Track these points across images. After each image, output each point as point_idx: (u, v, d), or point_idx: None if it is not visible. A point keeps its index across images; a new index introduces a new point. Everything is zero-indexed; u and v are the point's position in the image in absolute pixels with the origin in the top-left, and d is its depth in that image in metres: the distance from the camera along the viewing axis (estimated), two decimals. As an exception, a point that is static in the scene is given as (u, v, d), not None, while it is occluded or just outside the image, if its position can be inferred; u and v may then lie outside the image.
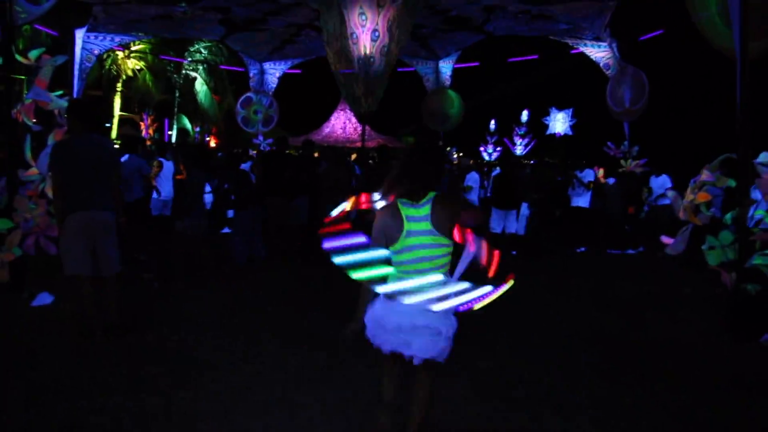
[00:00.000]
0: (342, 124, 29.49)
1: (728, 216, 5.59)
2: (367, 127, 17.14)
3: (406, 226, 2.68)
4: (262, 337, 5.15)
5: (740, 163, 5.50)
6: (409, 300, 2.53)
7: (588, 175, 10.89)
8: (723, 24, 8.39)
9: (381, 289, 2.61)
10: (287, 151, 10.27)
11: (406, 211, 2.71)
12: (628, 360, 4.87)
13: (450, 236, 2.66)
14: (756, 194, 5.48)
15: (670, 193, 6.03)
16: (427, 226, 2.66)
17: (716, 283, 5.91)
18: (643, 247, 10.81)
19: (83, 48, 14.34)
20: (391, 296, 2.62)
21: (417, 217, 2.69)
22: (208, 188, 9.09)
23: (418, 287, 2.56)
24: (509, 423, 3.62)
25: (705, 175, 5.66)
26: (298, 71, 22.25)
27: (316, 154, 11.83)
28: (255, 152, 16.58)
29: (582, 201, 10.65)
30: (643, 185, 13.01)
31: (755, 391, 4.23)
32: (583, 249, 10.72)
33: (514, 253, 9.88)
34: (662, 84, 18.34)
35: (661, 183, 11.57)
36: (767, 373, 4.66)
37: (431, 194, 2.71)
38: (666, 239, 5.95)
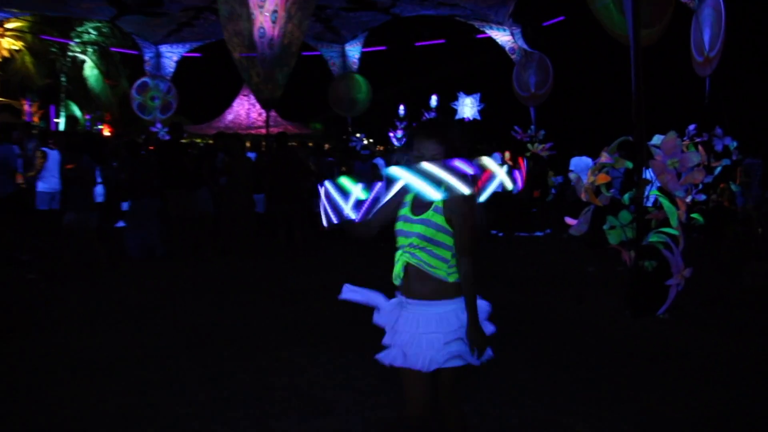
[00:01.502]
0: (246, 110, 28.78)
1: (626, 196, 5.91)
2: (272, 113, 16.84)
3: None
4: (161, 336, 4.95)
5: (636, 145, 5.83)
6: None
7: (494, 160, 11.21)
8: (617, 12, 8.88)
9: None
10: (183, 140, 9.89)
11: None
12: (535, 336, 5.07)
13: (455, 228, 2.48)
14: (651, 175, 5.81)
15: (572, 176, 6.29)
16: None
17: (617, 261, 6.26)
18: (550, 229, 11.28)
19: (-51, 26, 13.18)
20: None
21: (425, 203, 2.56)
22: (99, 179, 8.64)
23: None
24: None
25: (604, 158, 5.94)
26: (197, 54, 21.51)
27: (210, 142, 11.54)
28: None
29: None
30: (548, 168, 13.60)
31: (654, 361, 4.52)
32: (495, 232, 11.03)
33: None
34: (566, 69, 19.17)
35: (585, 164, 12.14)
36: (664, 344, 4.98)
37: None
38: (569, 220, 6.22)
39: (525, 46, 15.86)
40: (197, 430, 3.36)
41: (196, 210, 8.45)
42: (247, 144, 16.23)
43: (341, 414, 3.56)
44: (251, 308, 5.85)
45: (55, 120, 26.90)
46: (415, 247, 2.47)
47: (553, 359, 4.56)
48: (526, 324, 5.48)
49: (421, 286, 2.49)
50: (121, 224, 10.05)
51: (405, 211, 2.56)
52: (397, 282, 2.57)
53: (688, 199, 5.66)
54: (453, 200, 2.43)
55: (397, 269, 2.54)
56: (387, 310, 2.63)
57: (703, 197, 6.25)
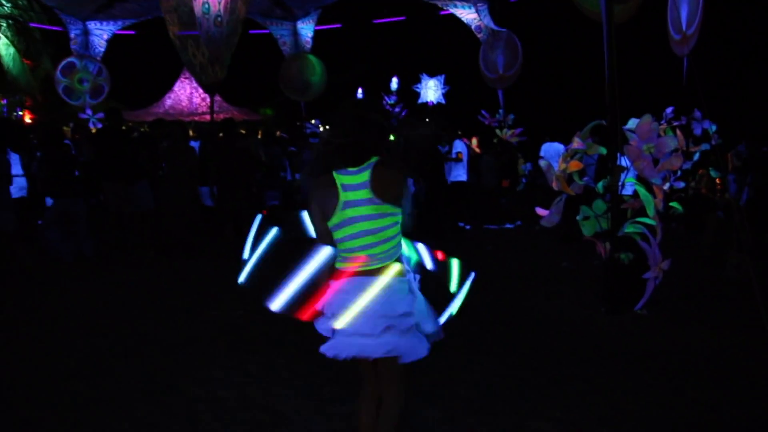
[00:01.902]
0: (188, 94, 28.31)
1: (600, 184, 6.02)
2: (217, 98, 16.62)
3: (342, 196, 2.52)
4: (95, 350, 4.86)
5: (610, 129, 5.95)
6: None
7: (457, 147, 11.30)
8: (589, -13, 9.04)
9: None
10: (122, 127, 9.72)
11: (341, 179, 2.54)
12: (506, 337, 5.15)
13: (397, 203, 2.55)
14: (625, 161, 5.94)
15: (542, 163, 6.39)
16: (366, 194, 2.52)
17: (592, 253, 6.39)
18: (521, 221, 11.44)
19: None
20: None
21: (354, 184, 2.53)
22: (19, 171, 8.42)
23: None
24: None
25: (576, 143, 6.03)
26: (131, 32, 21.06)
27: (143, 129, 11.37)
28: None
29: (461, 175, 10.95)
30: (518, 157, 13.76)
31: (632, 360, 4.63)
32: (462, 225, 11.13)
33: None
34: (536, 49, 19.40)
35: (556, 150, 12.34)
36: (642, 341, 5.12)
37: (373, 159, 2.56)
38: (541, 211, 6.31)
39: (492, 25, 15.99)
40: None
41: (136, 205, 8.30)
42: (191, 133, 16.00)
43: (301, 426, 3.56)
44: (197, 314, 5.78)
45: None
46: None
47: (525, 361, 4.63)
48: (497, 324, 5.56)
49: None
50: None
51: None
52: None
53: (666, 186, 5.81)
54: None
55: None
56: None
57: (681, 184, 6.41)
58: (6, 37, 26.25)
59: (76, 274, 7.38)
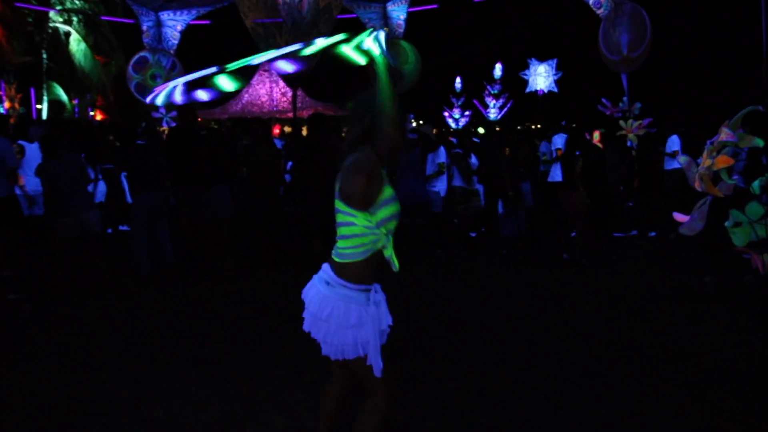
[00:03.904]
0: (267, 89, 29.14)
1: (756, 184, 5.70)
2: (299, 93, 16.97)
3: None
4: (168, 371, 5.01)
5: None
6: None
7: (555, 143, 11.01)
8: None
9: None
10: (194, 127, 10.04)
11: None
12: (640, 366, 4.95)
13: (348, 203, 2.84)
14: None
15: (682, 159, 6.10)
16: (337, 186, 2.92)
17: (744, 267, 6.06)
18: (655, 232, 11.01)
19: None
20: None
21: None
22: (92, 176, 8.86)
23: None
24: None
25: (725, 135, 5.74)
26: (206, 22, 21.85)
27: (212, 126, 11.68)
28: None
29: (557, 175, 10.64)
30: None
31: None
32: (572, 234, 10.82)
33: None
34: (667, 24, 18.73)
35: (670, 144, 11.83)
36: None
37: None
38: (680, 216, 6.05)
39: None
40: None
41: (212, 212, 8.54)
42: (275, 131, 16.41)
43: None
44: (279, 334, 5.87)
45: (37, 106, 27.63)
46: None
47: (664, 396, 4.43)
48: (628, 350, 5.37)
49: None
50: (125, 228, 10.29)
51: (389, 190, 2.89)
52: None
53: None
54: None
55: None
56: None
57: None
58: (78, 32, 27.82)
59: (150, 286, 7.68)
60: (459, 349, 5.35)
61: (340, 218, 2.88)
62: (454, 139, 14.03)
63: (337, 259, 2.90)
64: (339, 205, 2.87)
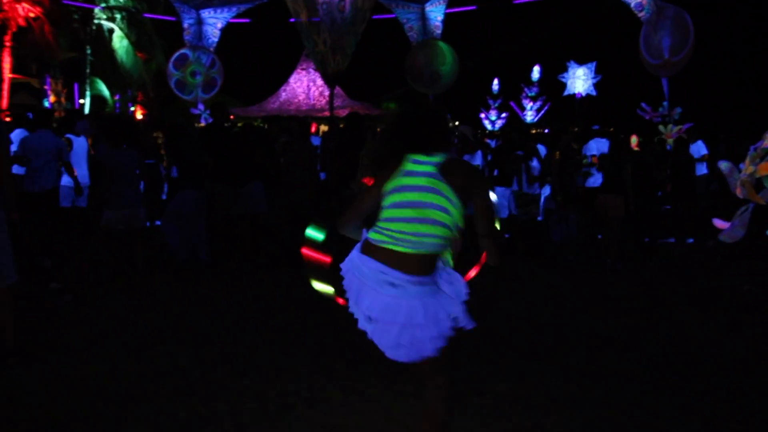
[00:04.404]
0: (305, 87, 29.25)
1: (800, 191, 5.59)
2: (337, 91, 17.03)
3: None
4: (208, 363, 5.06)
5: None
6: None
7: (591, 148, 10.85)
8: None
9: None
10: (227, 124, 10.14)
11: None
12: (674, 375, 4.88)
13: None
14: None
15: (724, 165, 5.99)
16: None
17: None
18: (693, 239, 10.83)
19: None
20: None
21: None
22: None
23: None
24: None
25: (768, 141, 5.65)
26: (245, 20, 22.04)
27: (265, 126, 11.76)
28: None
29: (596, 180, 10.49)
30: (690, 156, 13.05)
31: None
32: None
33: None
34: (711, 28, 18.42)
35: (695, 149, 11.68)
36: None
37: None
38: (720, 223, 5.95)
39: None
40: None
41: (247, 208, 8.60)
42: (318, 129, 16.46)
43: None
44: (311, 330, 5.89)
45: (80, 101, 28.11)
46: None
47: (697, 405, 4.36)
48: (661, 357, 5.29)
49: None
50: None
51: None
52: None
53: None
54: None
55: None
56: None
57: None
58: (121, 29, 28.26)
59: (186, 279, 7.77)
60: (493, 351, 5.31)
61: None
62: (491, 141, 13.93)
63: (429, 251, 2.95)
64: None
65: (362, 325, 3.12)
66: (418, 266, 2.91)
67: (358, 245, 3.10)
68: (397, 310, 2.89)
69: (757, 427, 4.02)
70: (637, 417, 4.14)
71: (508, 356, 5.24)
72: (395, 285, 2.89)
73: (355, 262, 3.04)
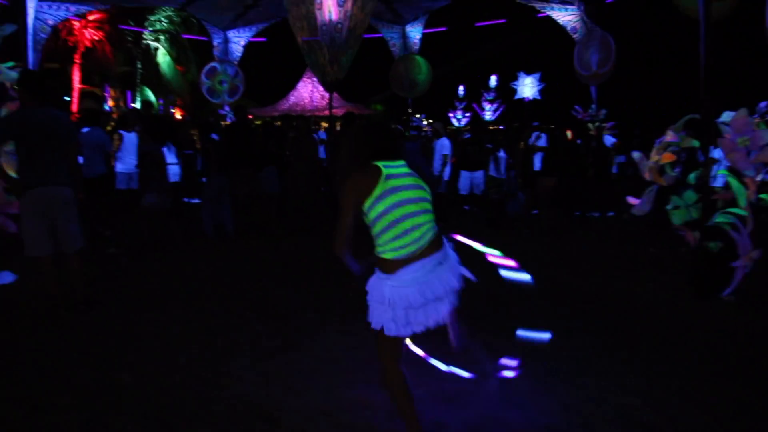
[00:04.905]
0: (309, 92, 29.07)
1: (691, 176, 5.67)
2: (335, 95, 16.95)
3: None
4: (235, 310, 5.12)
5: (703, 123, 5.57)
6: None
7: (531, 141, 10.89)
8: (687, -16, 8.46)
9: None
10: (246, 122, 10.09)
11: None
12: (597, 316, 4.97)
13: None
14: (718, 154, 5.57)
15: (636, 155, 6.08)
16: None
17: (681, 242, 6.04)
18: (613, 212, 10.91)
19: (36, 18, 13.83)
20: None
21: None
22: (173, 160, 8.94)
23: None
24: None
25: (669, 136, 5.72)
26: (263, 39, 21.86)
27: (278, 123, 11.70)
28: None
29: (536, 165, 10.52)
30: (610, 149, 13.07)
31: (717, 345, 4.35)
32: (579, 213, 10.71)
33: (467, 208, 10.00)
34: (628, 47, 18.44)
35: (607, 141, 11.75)
36: (729, 327, 4.79)
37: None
38: (632, 200, 6.03)
39: (590, 23, 15.29)
40: (269, 396, 3.47)
41: (263, 189, 8.61)
42: (322, 126, 16.38)
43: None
44: (317, 284, 5.95)
45: (132, 105, 27.94)
46: None
47: (613, 339, 4.46)
48: (588, 303, 5.39)
49: None
50: (194, 201, 10.41)
51: None
52: None
53: (758, 178, 5.38)
54: None
55: None
56: None
57: (774, 177, 5.93)
58: (164, 47, 28.05)
59: (214, 247, 7.78)
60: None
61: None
62: (467, 134, 13.95)
63: (434, 232, 2.75)
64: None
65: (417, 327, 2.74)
66: (436, 246, 2.72)
67: (376, 283, 2.75)
68: (447, 281, 2.71)
69: (647, 349, 4.13)
70: (564, 348, 4.24)
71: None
72: (440, 263, 2.71)
73: (387, 293, 2.68)
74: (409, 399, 2.80)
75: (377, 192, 2.62)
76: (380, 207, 2.62)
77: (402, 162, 2.77)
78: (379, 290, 2.69)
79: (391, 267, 2.66)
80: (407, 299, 2.63)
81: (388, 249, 2.66)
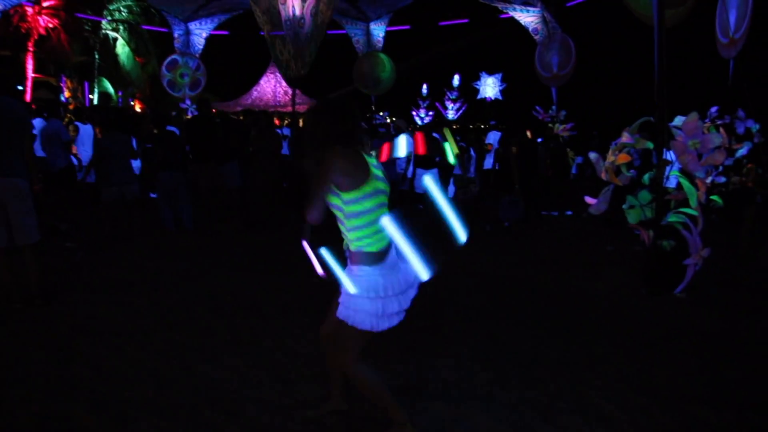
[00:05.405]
0: (272, 87, 28.80)
1: (646, 177, 5.84)
2: (297, 91, 16.85)
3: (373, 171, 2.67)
4: (192, 303, 5.06)
5: (657, 126, 5.75)
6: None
7: (489, 139, 11.05)
8: (643, -9, 8.70)
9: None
10: (210, 116, 9.98)
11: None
12: (553, 311, 5.10)
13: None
14: (670, 156, 5.74)
15: (593, 155, 6.23)
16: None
17: (635, 240, 6.22)
18: (571, 211, 11.15)
19: (-16, 3, 13.36)
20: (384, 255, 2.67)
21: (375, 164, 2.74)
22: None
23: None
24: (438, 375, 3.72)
25: (625, 138, 5.87)
26: (225, 32, 21.53)
27: (241, 117, 11.59)
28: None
29: (489, 164, 10.66)
30: (567, 148, 13.38)
31: (669, 339, 4.51)
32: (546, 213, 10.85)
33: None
34: (588, 50, 18.84)
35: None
36: (680, 322, 4.97)
37: None
38: (589, 199, 6.18)
39: (554, 25, 15.55)
40: (227, 390, 3.46)
41: (224, 183, 8.52)
42: (278, 122, 16.26)
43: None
44: (276, 277, 5.94)
45: (89, 96, 27.21)
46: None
47: (568, 334, 4.58)
48: (544, 298, 5.51)
49: None
50: (154, 195, 10.25)
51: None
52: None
53: (708, 180, 5.59)
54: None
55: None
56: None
57: (723, 179, 6.15)
58: (123, 38, 27.41)
59: (174, 241, 7.68)
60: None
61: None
62: (436, 134, 14.03)
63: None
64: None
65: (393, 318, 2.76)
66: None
67: (364, 278, 2.65)
68: (412, 268, 2.69)
69: (606, 343, 4.25)
70: (520, 336, 4.33)
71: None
72: (397, 252, 2.72)
73: (381, 281, 2.64)
74: (387, 387, 2.83)
75: (367, 189, 2.60)
76: (367, 204, 2.61)
77: (375, 159, 2.77)
78: (373, 282, 2.63)
79: (376, 259, 2.65)
80: (399, 285, 2.68)
81: (369, 242, 2.65)
